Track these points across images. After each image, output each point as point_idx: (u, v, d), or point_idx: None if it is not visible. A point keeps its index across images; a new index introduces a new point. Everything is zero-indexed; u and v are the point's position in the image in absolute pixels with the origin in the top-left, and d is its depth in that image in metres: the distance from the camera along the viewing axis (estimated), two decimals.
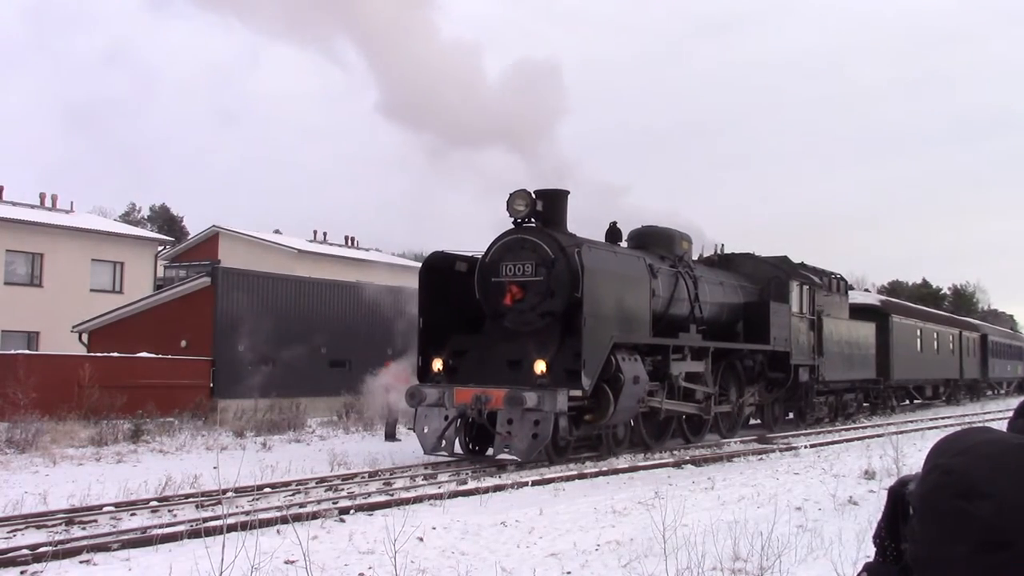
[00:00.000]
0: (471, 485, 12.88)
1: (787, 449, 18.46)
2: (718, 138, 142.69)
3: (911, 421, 28.24)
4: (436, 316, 16.62)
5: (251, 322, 26.33)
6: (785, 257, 24.76)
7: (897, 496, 1.39)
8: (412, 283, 32.88)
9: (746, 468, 15.49)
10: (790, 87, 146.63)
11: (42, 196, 37.55)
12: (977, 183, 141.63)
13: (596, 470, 14.66)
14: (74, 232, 35.09)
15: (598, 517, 10.21)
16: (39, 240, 33.74)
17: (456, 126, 18.51)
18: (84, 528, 9.91)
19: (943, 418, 29.06)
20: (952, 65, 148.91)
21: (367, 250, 51.53)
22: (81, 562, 8.21)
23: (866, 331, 28.74)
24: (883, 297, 40.96)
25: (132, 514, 10.74)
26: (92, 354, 25.68)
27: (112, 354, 24.85)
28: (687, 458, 16.61)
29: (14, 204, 35.40)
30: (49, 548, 8.19)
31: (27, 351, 27.44)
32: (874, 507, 10.02)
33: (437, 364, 16.08)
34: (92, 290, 34.66)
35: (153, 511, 10.94)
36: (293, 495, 12.14)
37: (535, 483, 13.18)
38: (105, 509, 10.74)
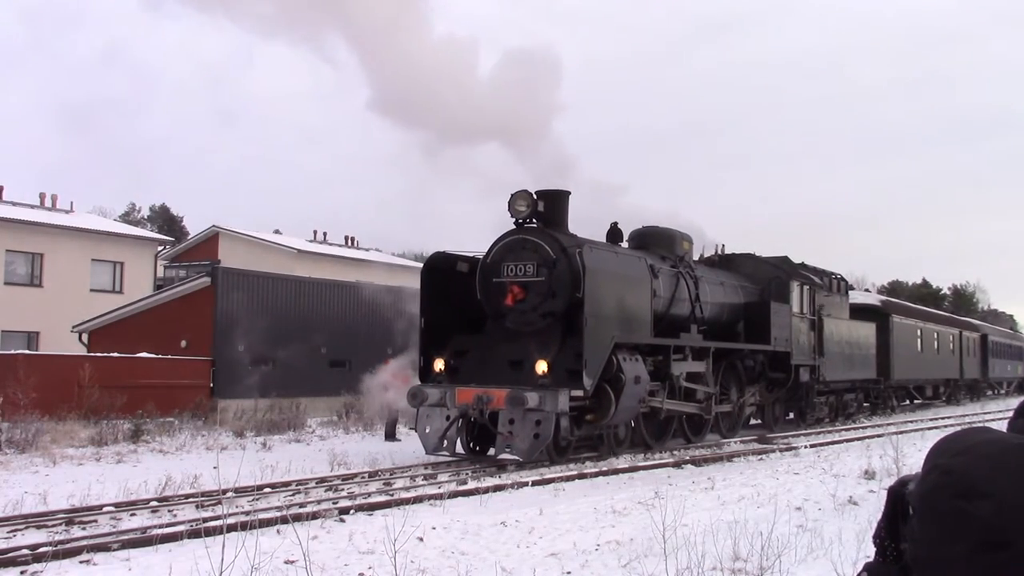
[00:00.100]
0: (471, 485, 12.88)
1: (787, 449, 18.46)
2: (718, 138, 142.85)
3: (911, 421, 28.24)
4: (438, 316, 16.64)
5: (251, 322, 26.32)
6: (786, 257, 24.76)
7: (897, 496, 1.39)
8: (412, 283, 32.92)
9: (746, 468, 15.49)
10: (790, 87, 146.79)
11: (42, 196, 37.57)
12: (977, 183, 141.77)
13: (596, 470, 14.66)
14: (74, 232, 35.09)
15: (598, 517, 10.21)
16: (39, 240, 33.74)
17: (452, 123, 18.50)
18: (84, 528, 9.91)
19: (943, 418, 29.06)
20: (952, 65, 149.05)
21: (367, 250, 51.55)
22: (81, 562, 8.21)
23: (866, 331, 28.75)
24: (883, 297, 40.96)
25: (132, 514, 10.74)
26: (92, 354, 25.68)
27: (112, 354, 24.85)
28: (687, 458, 16.62)
29: (14, 204, 35.41)
30: (49, 548, 8.19)
31: (27, 351, 27.44)
32: (874, 507, 10.02)
33: (439, 364, 16.11)
34: (92, 290, 34.67)
35: (153, 511, 10.94)
36: (293, 495, 12.14)
37: (535, 483, 13.18)
38: (105, 509, 10.74)
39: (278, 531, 9.05)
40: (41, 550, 8.18)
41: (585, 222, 17.29)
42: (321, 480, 13.39)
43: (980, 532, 1.17)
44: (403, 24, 18.40)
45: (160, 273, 40.42)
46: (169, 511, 10.96)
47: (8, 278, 33.10)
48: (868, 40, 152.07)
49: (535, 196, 15.96)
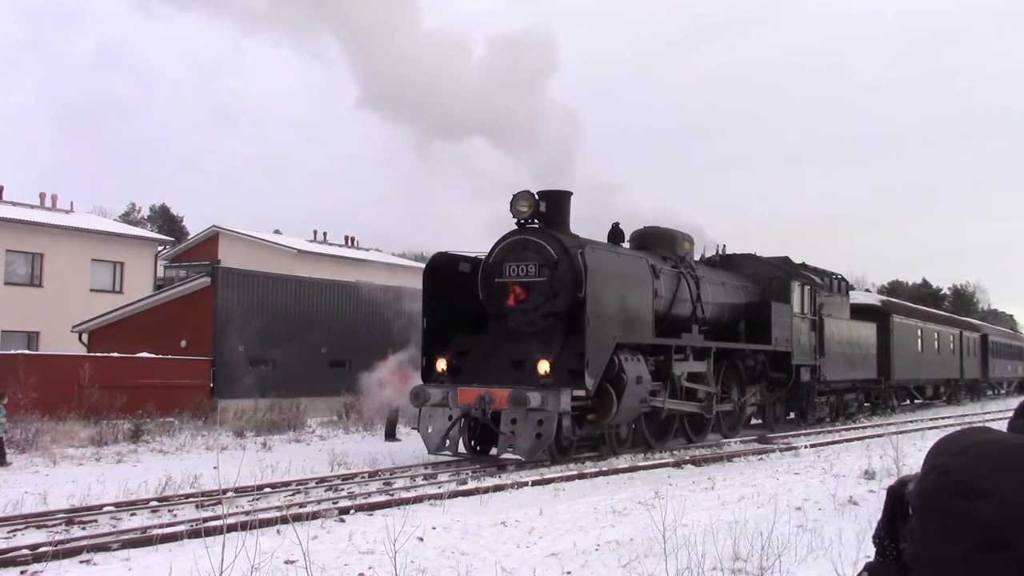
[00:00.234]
0: (471, 485, 12.88)
1: (787, 449, 18.46)
2: (718, 138, 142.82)
3: (911, 421, 28.23)
4: (440, 316, 16.66)
5: (251, 322, 26.32)
6: (786, 258, 24.77)
7: (896, 496, 1.39)
8: (412, 283, 32.93)
9: (746, 468, 15.49)
10: (790, 87, 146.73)
11: (42, 196, 37.57)
12: (977, 183, 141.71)
13: (596, 470, 14.67)
14: (74, 232, 35.09)
15: (598, 517, 10.21)
16: (39, 240, 33.74)
17: (448, 119, 18.49)
18: (84, 528, 9.91)
19: (943, 418, 29.06)
20: (952, 65, 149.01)
21: (367, 250, 51.56)
22: (81, 562, 8.21)
23: (867, 331, 28.76)
24: (884, 297, 40.96)
25: (132, 514, 10.74)
26: (92, 354, 25.68)
27: (112, 354, 24.85)
28: (687, 458, 16.62)
29: (14, 204, 35.41)
30: (49, 548, 8.20)
31: (27, 351, 27.44)
32: (874, 507, 10.01)
33: (441, 364, 16.13)
34: (92, 290, 34.66)
35: (153, 511, 10.94)
36: (293, 495, 12.14)
37: (535, 483, 13.18)
38: (105, 509, 10.74)
39: (278, 531, 9.05)
40: (41, 550, 8.18)
41: (583, 222, 17.31)
42: (321, 480, 13.39)
43: (979, 532, 1.17)
44: (394, 19, 18.40)
45: (160, 273, 40.42)
46: (169, 511, 10.96)
47: (8, 278, 33.10)
48: (868, 40, 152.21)
49: (537, 197, 15.98)
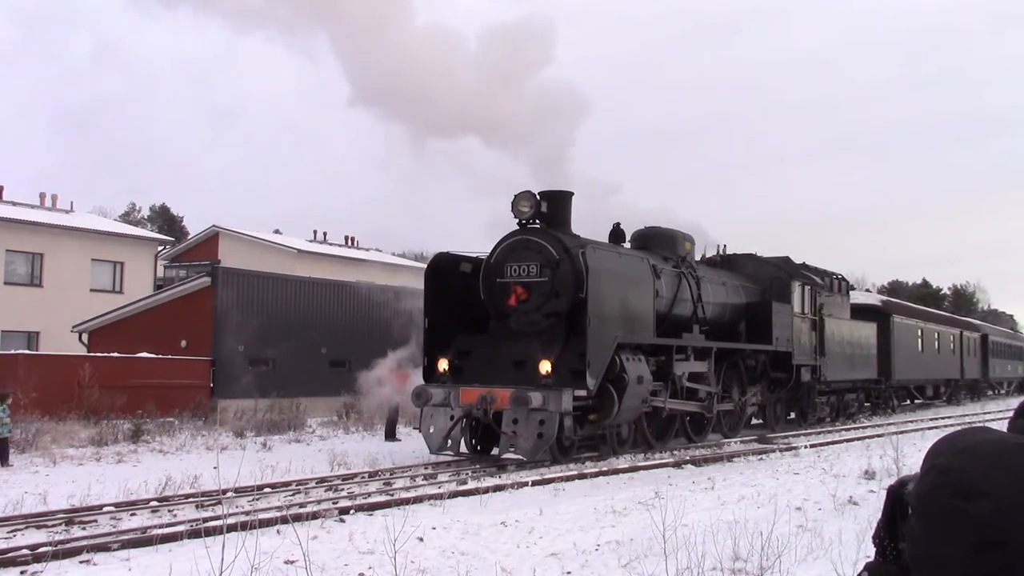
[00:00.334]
0: (471, 485, 12.88)
1: (787, 449, 18.45)
2: (719, 138, 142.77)
3: (911, 421, 28.23)
4: (441, 317, 16.69)
5: (251, 322, 26.32)
6: (787, 258, 24.77)
7: (896, 496, 1.39)
8: (412, 283, 32.91)
9: (746, 468, 15.49)
10: (789, 87, 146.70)
11: (42, 196, 37.56)
12: (977, 183, 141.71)
13: (596, 470, 14.67)
14: (74, 232, 35.09)
15: (598, 517, 10.21)
16: (39, 240, 33.74)
17: (447, 117, 18.46)
18: (84, 528, 9.91)
19: (943, 418, 29.05)
20: (953, 65, 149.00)
21: (367, 250, 51.55)
22: (81, 562, 8.21)
23: (867, 331, 28.75)
24: (884, 297, 40.96)
25: (132, 514, 10.74)
26: (92, 354, 25.68)
27: (112, 354, 24.85)
28: (687, 458, 16.62)
29: (14, 204, 35.41)
30: (49, 548, 8.19)
31: (27, 351, 27.44)
32: (874, 507, 10.01)
33: (443, 364, 16.15)
34: (92, 290, 34.66)
35: (153, 511, 10.94)
36: (293, 495, 12.14)
37: (535, 483, 13.18)
38: (105, 509, 10.74)
39: (278, 531, 9.05)
40: (41, 550, 8.18)
41: (582, 221, 17.31)
42: (321, 480, 13.39)
43: (978, 531, 1.17)
44: (387, 15, 18.35)
45: (160, 273, 40.42)
46: (169, 511, 10.96)
47: (8, 278, 33.10)
48: (868, 40, 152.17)
49: (538, 197, 16.00)
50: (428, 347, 16.66)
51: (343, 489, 12.85)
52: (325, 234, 49.78)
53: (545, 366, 15.02)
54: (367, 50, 18.11)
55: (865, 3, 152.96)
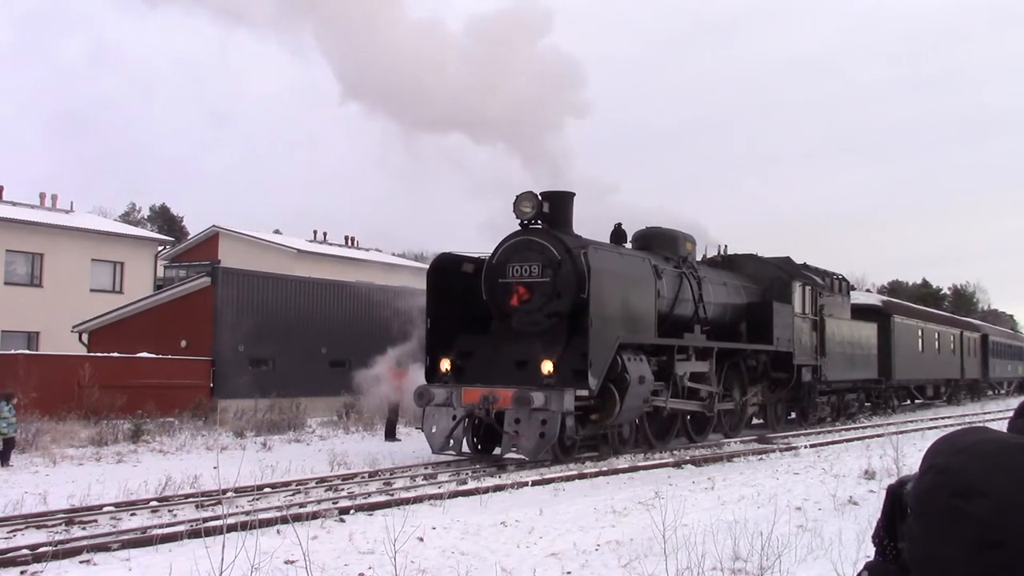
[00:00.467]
0: (471, 485, 12.88)
1: (787, 449, 18.46)
2: (719, 138, 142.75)
3: (911, 421, 28.23)
4: (443, 317, 16.71)
5: (251, 322, 26.32)
6: (788, 258, 24.79)
7: (896, 495, 1.39)
8: (412, 283, 32.89)
9: (746, 468, 15.49)
10: (789, 87, 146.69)
11: (42, 196, 37.55)
12: (977, 183, 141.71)
13: (596, 470, 14.67)
14: (74, 232, 35.08)
15: (598, 517, 10.21)
16: (39, 240, 33.74)
17: (445, 115, 18.41)
18: (84, 528, 9.90)
19: (943, 418, 29.06)
20: (953, 65, 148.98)
21: (367, 250, 51.55)
22: (81, 562, 8.21)
23: (868, 331, 28.76)
24: (885, 297, 40.96)
25: (132, 514, 10.74)
26: (92, 354, 25.68)
27: (112, 354, 24.85)
28: (687, 458, 16.62)
29: (14, 204, 35.40)
30: (49, 548, 8.19)
31: (27, 351, 27.43)
32: (874, 507, 10.01)
33: (445, 364, 16.17)
34: (92, 290, 34.66)
35: (153, 511, 10.94)
36: (293, 495, 12.14)
37: (535, 483, 13.18)
38: (105, 509, 10.74)
39: (278, 531, 9.05)
40: (41, 550, 8.18)
41: (582, 220, 17.30)
42: (321, 480, 13.39)
43: (977, 531, 1.17)
44: (374, 8, 18.29)
45: (160, 273, 40.41)
46: (169, 511, 10.96)
47: (8, 278, 33.10)
48: (868, 40, 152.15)
49: (540, 197, 16.03)
50: (430, 347, 16.68)
51: (343, 489, 12.85)
52: (325, 234, 49.79)
53: (547, 366, 15.04)
54: (353, 44, 18.05)
55: (865, 3, 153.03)
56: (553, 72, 18.89)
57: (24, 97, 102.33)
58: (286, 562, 7.37)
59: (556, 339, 15.57)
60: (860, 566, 1.49)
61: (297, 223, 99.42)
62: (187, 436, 19.86)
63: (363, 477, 13.99)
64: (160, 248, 41.14)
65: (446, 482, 13.39)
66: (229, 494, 11.36)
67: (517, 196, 16.07)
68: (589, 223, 17.76)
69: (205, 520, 8.61)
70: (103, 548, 8.61)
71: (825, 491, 11.65)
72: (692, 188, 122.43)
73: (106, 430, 19.10)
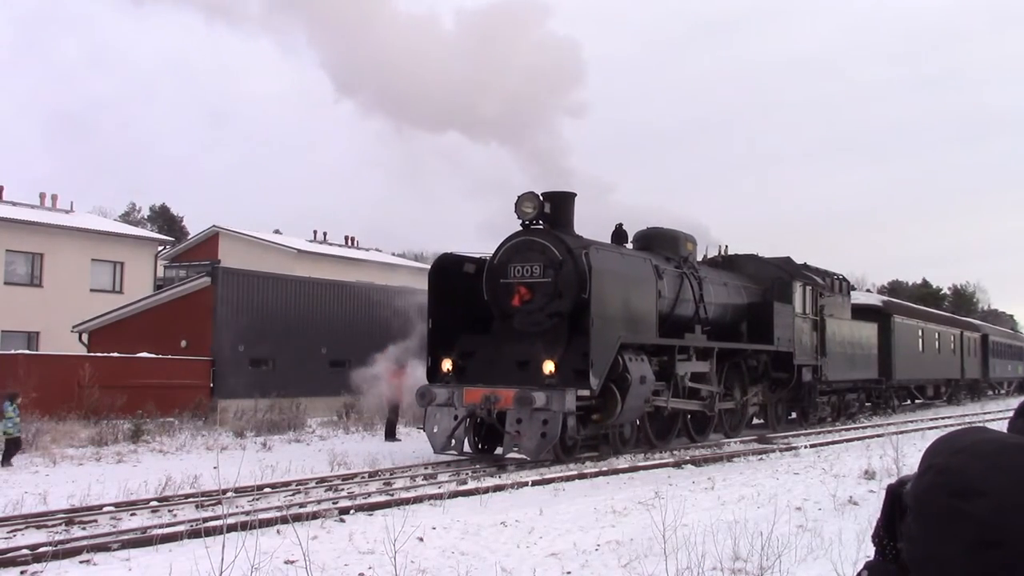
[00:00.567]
0: (471, 485, 12.88)
1: (787, 449, 18.45)
2: (719, 138, 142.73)
3: (912, 421, 28.23)
4: (445, 317, 16.73)
5: (251, 322, 26.31)
6: (788, 258, 24.80)
7: (896, 495, 1.39)
8: (412, 283, 32.87)
9: (746, 468, 15.49)
10: (789, 87, 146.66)
11: (42, 196, 37.56)
12: (977, 183, 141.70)
13: (596, 470, 14.68)
14: (74, 232, 35.08)
15: (598, 517, 10.21)
16: (39, 240, 33.74)
17: (434, 108, 18.36)
18: (84, 528, 9.90)
19: (943, 418, 29.05)
20: (953, 65, 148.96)
21: (367, 250, 51.54)
22: (81, 562, 8.21)
23: (868, 331, 28.77)
24: (885, 298, 40.96)
25: (132, 514, 10.74)
26: (92, 354, 25.68)
27: (112, 354, 24.84)
28: (687, 458, 16.63)
29: (14, 204, 35.40)
30: (49, 548, 8.19)
31: (27, 351, 27.43)
32: (874, 507, 10.00)
33: (446, 364, 16.19)
34: (92, 290, 34.66)
35: (153, 511, 10.94)
36: (293, 495, 12.13)
37: (535, 483, 13.18)
38: (105, 509, 10.73)
39: (278, 531, 9.05)
40: (41, 550, 8.18)
41: (581, 219, 17.30)
42: (321, 480, 13.39)
43: (975, 531, 1.17)
44: (368, 6, 18.22)
45: (160, 273, 40.42)
46: (169, 511, 10.96)
47: (8, 278, 33.10)
48: (868, 40, 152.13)
49: (541, 198, 16.06)
50: (432, 347, 16.71)
51: (343, 489, 12.85)
52: (325, 234, 49.79)
53: (548, 366, 15.07)
54: (344, 40, 17.98)
55: (865, 3, 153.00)
56: (550, 66, 18.80)
57: (24, 97, 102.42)
58: (286, 562, 7.37)
59: (557, 339, 15.59)
60: (860, 566, 1.49)
61: (297, 223, 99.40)
62: (187, 436, 19.86)
63: (363, 477, 13.99)
64: (160, 248, 41.14)
65: (446, 482, 13.39)
66: (229, 494, 11.36)
67: (519, 197, 16.10)
68: (589, 223, 17.79)
69: (205, 520, 8.61)
70: (103, 548, 8.61)
71: (825, 491, 11.65)
72: (692, 188, 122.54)
73: (106, 430, 19.10)
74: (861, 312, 29.12)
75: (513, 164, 18.97)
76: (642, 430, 17.66)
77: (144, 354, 24.83)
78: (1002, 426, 1.62)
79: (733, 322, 21.10)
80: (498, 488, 12.66)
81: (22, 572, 7.85)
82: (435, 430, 15.56)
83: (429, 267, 18.77)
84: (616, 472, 14.65)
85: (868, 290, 62.93)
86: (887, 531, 1.40)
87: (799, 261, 25.23)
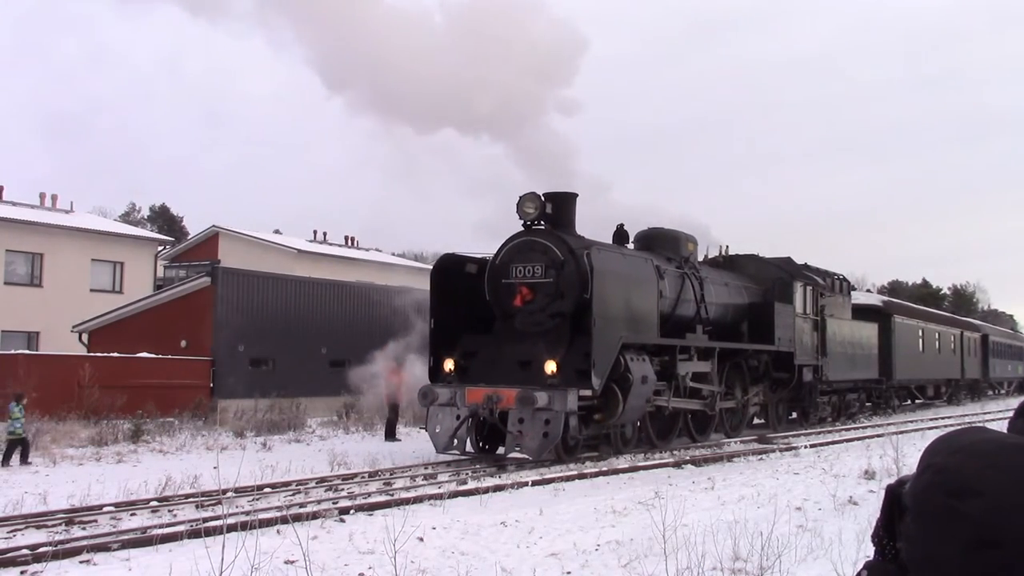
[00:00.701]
0: (471, 485, 12.88)
1: (787, 449, 18.45)
2: (720, 138, 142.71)
3: (911, 421, 28.23)
4: (447, 317, 16.75)
5: (251, 322, 26.30)
6: (789, 258, 24.80)
7: (895, 495, 1.38)
8: (412, 283, 32.84)
9: (746, 468, 15.49)
10: (789, 87, 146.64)
11: (42, 196, 37.55)
12: (977, 183, 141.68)
13: (596, 470, 14.68)
14: (74, 232, 35.08)
15: (598, 517, 10.20)
16: (39, 240, 33.74)
17: (445, 111, 18.33)
18: (84, 528, 9.90)
19: (943, 418, 29.05)
20: (953, 65, 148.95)
21: (367, 250, 51.54)
22: (81, 562, 8.21)
23: (869, 331, 28.77)
24: (885, 298, 40.97)
25: (132, 514, 10.74)
26: (92, 354, 25.68)
27: (112, 354, 24.84)
28: (687, 458, 16.63)
29: (14, 204, 35.40)
30: (49, 548, 8.19)
31: (27, 351, 27.44)
32: (874, 507, 9.98)
33: (448, 364, 16.21)
34: (92, 290, 34.65)
35: (153, 511, 10.93)
36: (293, 495, 12.13)
37: (535, 483, 13.18)
38: (105, 509, 10.73)
39: (278, 531, 9.05)
40: (41, 550, 8.18)
41: (582, 219, 17.29)
42: (321, 480, 13.39)
43: (972, 531, 1.16)
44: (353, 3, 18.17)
45: (160, 273, 40.41)
46: (169, 511, 10.96)
47: (8, 278, 33.09)
48: (868, 40, 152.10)
49: (543, 198, 16.08)
50: (434, 347, 16.73)
51: (343, 489, 12.85)
52: (325, 234, 49.77)
53: (550, 366, 15.09)
54: (332, 35, 17.90)
55: (865, 3, 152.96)
56: (544, 56, 18.73)
57: (24, 97, 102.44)
58: (286, 562, 7.37)
59: (559, 339, 15.61)
60: (860, 566, 1.48)
61: (297, 223, 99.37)
62: (187, 436, 19.86)
63: (363, 477, 13.99)
64: (160, 248, 41.14)
65: (446, 482, 13.39)
66: (229, 494, 11.36)
67: (520, 197, 16.12)
68: (589, 222, 17.80)
69: (205, 520, 8.61)
70: (103, 548, 8.61)
71: (825, 491, 11.65)
72: (692, 188, 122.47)
73: (106, 430, 19.10)
74: (861, 312, 29.13)
75: (512, 163, 18.97)
76: (643, 430, 17.67)
77: (144, 354, 24.84)
78: (1002, 426, 1.62)
79: (734, 322, 21.11)
80: (498, 488, 12.66)
81: (22, 572, 7.85)
82: (437, 430, 15.58)
83: (429, 267, 18.80)
84: (616, 472, 14.66)
85: (868, 290, 62.93)
86: (887, 531, 1.40)
87: (799, 261, 25.24)
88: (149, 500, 11.40)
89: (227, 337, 25.94)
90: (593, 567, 7.85)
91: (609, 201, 21.34)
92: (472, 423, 15.65)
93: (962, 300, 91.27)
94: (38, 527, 9.84)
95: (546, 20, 19.15)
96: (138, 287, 34.68)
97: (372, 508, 10.88)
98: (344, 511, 10.58)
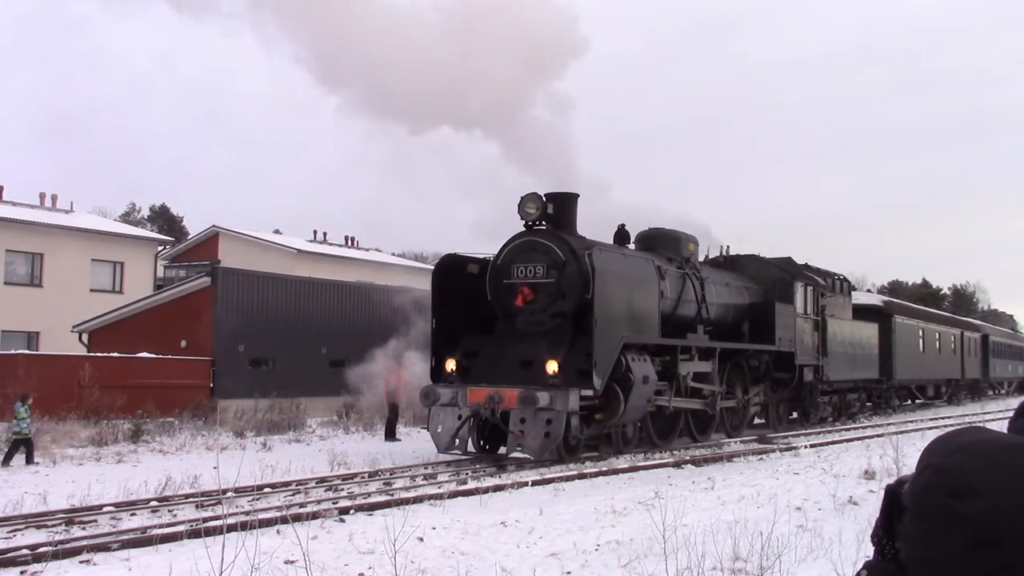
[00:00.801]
0: (471, 485, 12.88)
1: (787, 449, 18.45)
2: (720, 138, 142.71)
3: (912, 421, 28.23)
4: (449, 317, 16.76)
5: (251, 322, 26.30)
6: (789, 258, 24.81)
7: (895, 495, 1.38)
8: (412, 283, 32.84)
9: (746, 468, 15.49)
10: (790, 87, 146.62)
11: (42, 196, 37.56)
12: (978, 183, 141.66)
13: (596, 470, 14.68)
14: (74, 232, 35.08)
15: (598, 517, 10.20)
16: (39, 240, 33.74)
17: (446, 110, 18.29)
18: (84, 528, 9.90)
19: (943, 418, 29.05)
20: (953, 65, 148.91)
21: (367, 250, 51.54)
22: (81, 562, 8.21)
23: (869, 331, 28.78)
24: (886, 298, 40.96)
25: (132, 514, 10.74)
26: (92, 354, 25.68)
27: (112, 354, 24.84)
28: (687, 458, 16.63)
29: (14, 204, 35.40)
30: (49, 548, 8.19)
31: (27, 351, 27.44)
32: (874, 507, 9.96)
33: (450, 364, 16.22)
34: (92, 290, 34.66)
35: (153, 511, 10.93)
36: (293, 495, 12.13)
37: (535, 483, 13.18)
38: (105, 509, 10.73)
39: (278, 531, 9.05)
40: (41, 550, 8.17)
41: (582, 218, 17.26)
42: (321, 480, 13.38)
43: (971, 530, 1.16)
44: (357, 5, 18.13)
45: (160, 273, 40.41)
46: (169, 511, 10.95)
47: (8, 278, 33.10)
48: (869, 40, 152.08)
49: (544, 199, 16.09)
50: (436, 347, 16.75)
51: (343, 489, 12.84)
52: (325, 234, 49.78)
53: (552, 366, 15.11)
54: (319, 31, 17.83)
55: (865, 3, 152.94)
56: (540, 47, 18.66)
57: (23, 97, 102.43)
58: (286, 562, 7.37)
59: (561, 339, 15.63)
60: (860, 566, 1.48)
61: (297, 223, 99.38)
62: (187, 436, 19.86)
63: (363, 477, 13.99)
64: (160, 248, 41.14)
65: (446, 482, 13.39)
66: (229, 494, 11.36)
67: (522, 197, 16.14)
68: (588, 222, 17.78)
69: (205, 520, 8.61)
70: (103, 548, 8.61)
71: (825, 491, 11.64)
72: (692, 187, 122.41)
73: (106, 430, 19.10)
74: (862, 312, 29.13)
75: (510, 163, 18.92)
76: (644, 430, 17.67)
77: (144, 354, 24.84)
78: (1002, 426, 1.62)
79: (735, 322, 21.12)
80: (498, 488, 12.66)
81: (22, 572, 7.85)
82: (439, 430, 15.59)
83: (429, 267, 18.81)
84: (616, 472, 14.66)
85: (868, 290, 62.92)
86: (886, 531, 1.40)
87: (800, 261, 25.25)
88: (149, 500, 11.40)
89: (227, 337, 25.94)
90: (593, 567, 7.85)
91: (609, 201, 21.31)
92: (474, 423, 15.67)
93: (962, 300, 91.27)
94: (38, 527, 9.84)
95: (544, 8, 19.04)
96: (138, 287, 34.69)
97: (372, 508, 10.88)
98: (344, 511, 10.58)
